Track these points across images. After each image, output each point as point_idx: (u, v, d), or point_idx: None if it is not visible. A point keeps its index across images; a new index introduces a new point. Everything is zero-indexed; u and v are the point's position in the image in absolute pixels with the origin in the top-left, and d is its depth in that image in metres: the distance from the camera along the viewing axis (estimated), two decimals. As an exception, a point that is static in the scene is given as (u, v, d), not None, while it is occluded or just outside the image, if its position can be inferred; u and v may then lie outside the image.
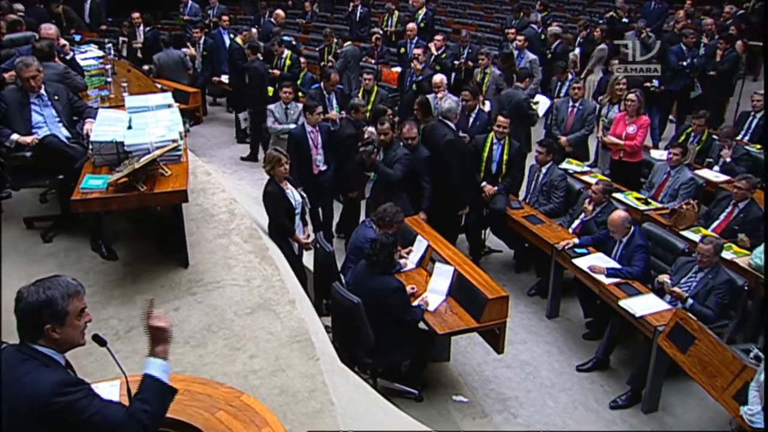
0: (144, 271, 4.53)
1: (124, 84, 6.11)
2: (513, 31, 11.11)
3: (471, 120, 7.62)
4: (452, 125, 6.81)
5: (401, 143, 6.62)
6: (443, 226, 6.45)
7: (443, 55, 10.51)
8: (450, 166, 6.59)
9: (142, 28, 11.67)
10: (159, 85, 7.21)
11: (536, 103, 8.88)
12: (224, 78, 10.89)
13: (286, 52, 10.15)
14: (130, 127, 4.60)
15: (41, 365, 2.34)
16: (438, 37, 10.88)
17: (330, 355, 4.34)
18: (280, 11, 12.76)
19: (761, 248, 5.86)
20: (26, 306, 2.34)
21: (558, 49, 10.98)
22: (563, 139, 8.20)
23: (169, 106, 5.08)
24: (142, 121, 4.68)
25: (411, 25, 11.28)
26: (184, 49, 10.71)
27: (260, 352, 3.85)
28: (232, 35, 11.14)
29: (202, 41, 11.04)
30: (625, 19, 12.46)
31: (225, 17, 11.68)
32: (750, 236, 6.18)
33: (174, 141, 4.37)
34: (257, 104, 9.68)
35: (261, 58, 9.98)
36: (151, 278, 4.46)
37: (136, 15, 11.74)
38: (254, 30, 11.74)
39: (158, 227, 4.96)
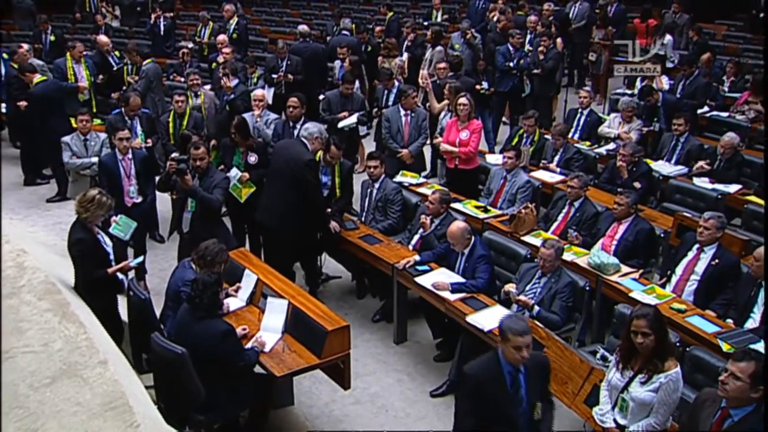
0: None
1: None
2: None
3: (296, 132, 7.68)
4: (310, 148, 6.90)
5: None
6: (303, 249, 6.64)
7: None
8: (310, 185, 6.62)
9: None
10: None
11: None
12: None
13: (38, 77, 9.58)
14: None
15: None
16: (226, 50, 10.70)
17: (153, 418, 4.15)
18: (102, 37, 11.44)
19: (598, 246, 6.37)
20: None
21: None
22: (405, 151, 8.38)
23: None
24: None
25: (222, 37, 11.20)
26: None
27: (65, 429, 3.59)
28: (5, 55, 10.33)
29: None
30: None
31: (-8, 34, 10.86)
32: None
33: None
34: None
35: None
36: None
37: None
38: (25, 46, 10.74)
39: None
